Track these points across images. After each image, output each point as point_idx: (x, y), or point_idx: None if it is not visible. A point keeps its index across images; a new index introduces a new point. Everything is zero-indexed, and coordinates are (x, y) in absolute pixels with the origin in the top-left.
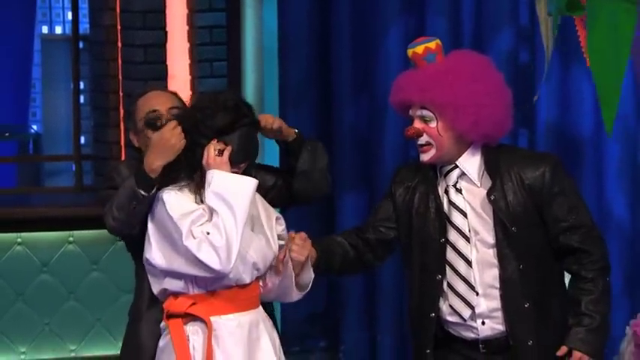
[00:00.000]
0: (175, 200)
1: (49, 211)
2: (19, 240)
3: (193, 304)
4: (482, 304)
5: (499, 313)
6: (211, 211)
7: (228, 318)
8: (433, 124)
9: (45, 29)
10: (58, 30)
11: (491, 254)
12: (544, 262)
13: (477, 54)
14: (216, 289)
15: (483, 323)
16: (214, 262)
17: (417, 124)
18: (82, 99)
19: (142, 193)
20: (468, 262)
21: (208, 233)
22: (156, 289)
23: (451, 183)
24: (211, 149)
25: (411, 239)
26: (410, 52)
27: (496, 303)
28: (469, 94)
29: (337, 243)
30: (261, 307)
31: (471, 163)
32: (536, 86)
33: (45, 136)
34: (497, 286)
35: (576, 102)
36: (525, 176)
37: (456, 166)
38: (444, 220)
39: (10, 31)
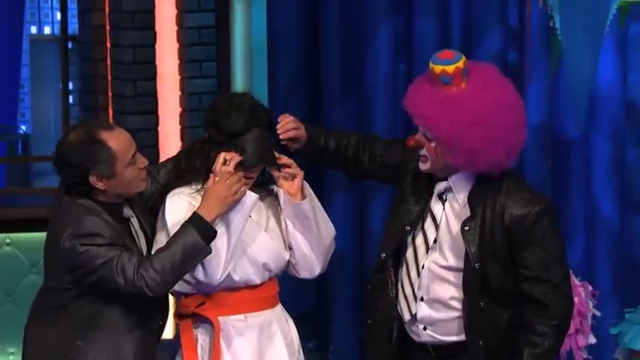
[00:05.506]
0: (174, 207)
1: (37, 212)
2: (7, 240)
3: (201, 304)
4: (425, 311)
5: (443, 324)
6: None
7: (238, 318)
8: (433, 144)
9: (33, 29)
10: (47, 30)
11: (449, 275)
12: (505, 300)
13: (502, 85)
14: (224, 290)
15: (425, 329)
16: (199, 275)
17: (419, 137)
18: (70, 99)
19: (207, 247)
20: (418, 271)
21: None
22: None
23: (437, 192)
24: (221, 157)
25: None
26: (430, 64)
27: (442, 315)
28: (466, 138)
29: (331, 146)
30: (278, 307)
31: (461, 184)
32: (525, 86)
33: (34, 137)
34: (453, 305)
35: (564, 100)
36: (508, 211)
37: (447, 179)
38: (419, 220)
39: None
